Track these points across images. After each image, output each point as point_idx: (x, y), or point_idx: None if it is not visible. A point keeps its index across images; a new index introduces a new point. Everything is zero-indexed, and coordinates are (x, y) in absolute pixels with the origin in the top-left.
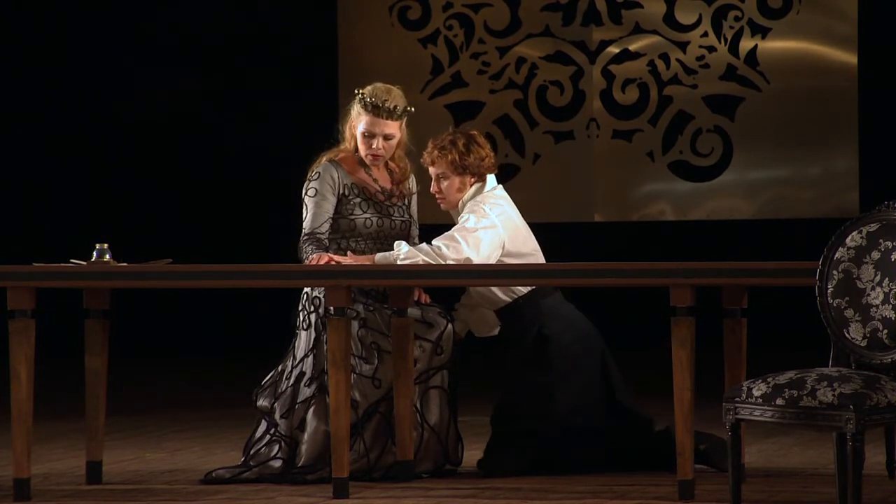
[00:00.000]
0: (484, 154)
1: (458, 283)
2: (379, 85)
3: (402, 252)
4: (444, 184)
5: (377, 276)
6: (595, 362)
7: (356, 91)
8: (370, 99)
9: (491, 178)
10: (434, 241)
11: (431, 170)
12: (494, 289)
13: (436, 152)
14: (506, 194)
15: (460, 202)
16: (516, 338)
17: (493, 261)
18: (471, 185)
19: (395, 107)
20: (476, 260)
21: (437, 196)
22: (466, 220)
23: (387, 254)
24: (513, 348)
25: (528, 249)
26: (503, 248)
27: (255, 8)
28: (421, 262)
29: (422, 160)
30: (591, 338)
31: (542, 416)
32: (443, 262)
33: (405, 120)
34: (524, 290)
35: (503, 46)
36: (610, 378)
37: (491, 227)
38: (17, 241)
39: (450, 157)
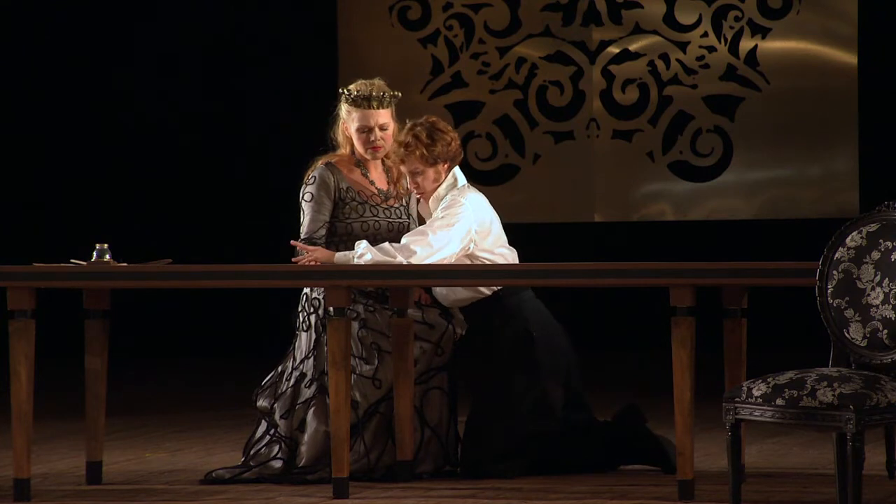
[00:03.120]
0: (449, 139)
1: (456, 284)
2: (360, 80)
3: (360, 250)
4: (419, 178)
5: (377, 277)
6: (568, 358)
7: (340, 91)
8: (356, 93)
9: (461, 176)
10: (403, 239)
11: (402, 168)
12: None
13: (402, 150)
14: (478, 192)
15: (436, 194)
16: (500, 331)
17: (458, 255)
18: (445, 172)
19: (383, 94)
20: (438, 258)
21: (415, 191)
22: (440, 216)
23: (347, 253)
24: (497, 343)
25: (500, 244)
26: (472, 238)
27: (255, 8)
28: (379, 260)
29: (389, 161)
30: (564, 333)
31: (542, 416)
32: (403, 260)
33: (394, 108)
34: None
35: (503, 46)
36: (570, 373)
37: (462, 221)
38: (17, 240)
39: (418, 152)
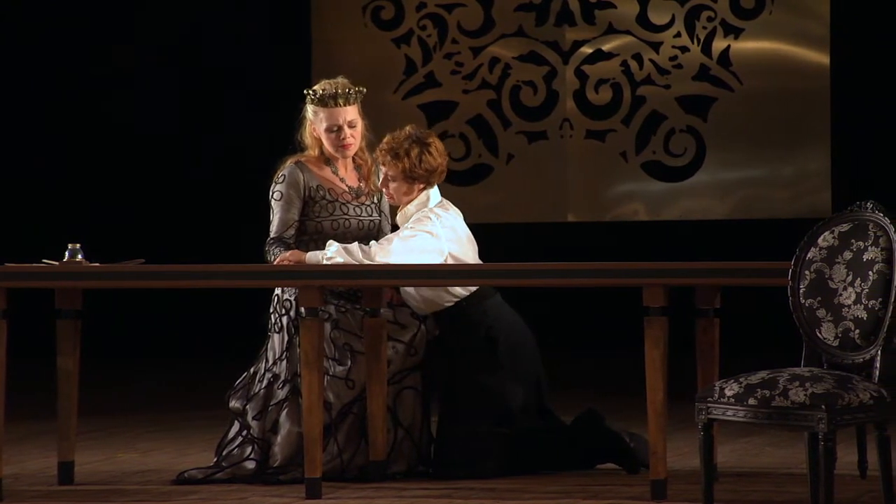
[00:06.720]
0: (435, 164)
1: (431, 284)
2: (323, 80)
3: (330, 251)
4: (393, 185)
5: (349, 277)
6: (535, 365)
7: (305, 92)
8: (321, 93)
9: (434, 196)
10: (372, 242)
11: (382, 167)
12: (441, 291)
13: (388, 157)
14: (452, 208)
15: (406, 207)
16: (462, 338)
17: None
18: (418, 191)
19: (348, 91)
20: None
21: (385, 193)
22: (409, 227)
23: (317, 252)
24: (460, 349)
25: (469, 261)
26: (445, 257)
27: (228, 8)
28: (342, 261)
29: (374, 154)
30: (531, 340)
31: (499, 418)
32: (367, 262)
33: (360, 103)
34: (465, 291)
35: (476, 46)
36: (539, 381)
37: (431, 237)
38: None
39: (401, 165)
